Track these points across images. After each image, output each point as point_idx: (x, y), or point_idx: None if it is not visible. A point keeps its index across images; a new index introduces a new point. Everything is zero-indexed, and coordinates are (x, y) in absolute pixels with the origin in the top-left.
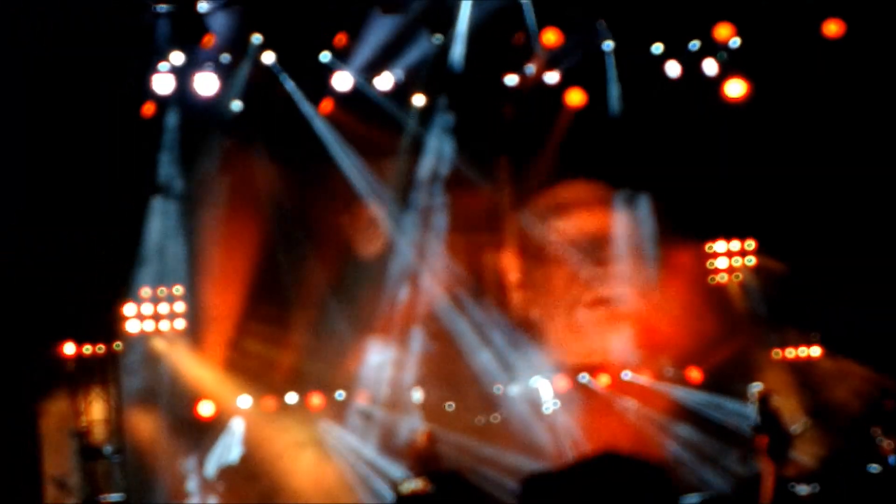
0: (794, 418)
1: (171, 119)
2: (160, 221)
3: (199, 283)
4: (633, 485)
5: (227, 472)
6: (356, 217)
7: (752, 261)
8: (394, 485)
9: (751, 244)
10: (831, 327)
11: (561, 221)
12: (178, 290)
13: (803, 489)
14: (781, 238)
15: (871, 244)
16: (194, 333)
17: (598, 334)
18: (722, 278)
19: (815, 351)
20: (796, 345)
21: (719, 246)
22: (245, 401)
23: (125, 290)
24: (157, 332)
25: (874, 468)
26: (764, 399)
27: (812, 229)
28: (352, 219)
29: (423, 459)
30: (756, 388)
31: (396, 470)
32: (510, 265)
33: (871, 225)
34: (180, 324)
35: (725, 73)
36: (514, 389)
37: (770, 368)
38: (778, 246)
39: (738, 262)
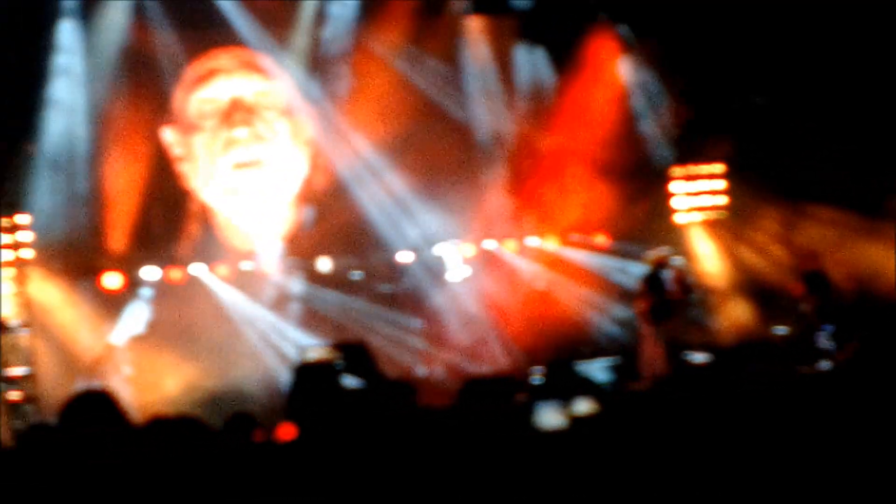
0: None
1: None
2: None
3: None
4: None
5: (135, 343)
6: None
7: None
8: (301, 351)
9: None
10: None
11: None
12: None
13: (698, 357)
14: None
15: None
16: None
17: None
18: None
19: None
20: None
21: None
22: (151, 272)
23: None
24: None
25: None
26: (659, 264)
27: None
28: None
29: None
30: (655, 253)
31: (308, 339)
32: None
33: None
34: None
35: None
36: (416, 256)
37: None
38: None
39: None
